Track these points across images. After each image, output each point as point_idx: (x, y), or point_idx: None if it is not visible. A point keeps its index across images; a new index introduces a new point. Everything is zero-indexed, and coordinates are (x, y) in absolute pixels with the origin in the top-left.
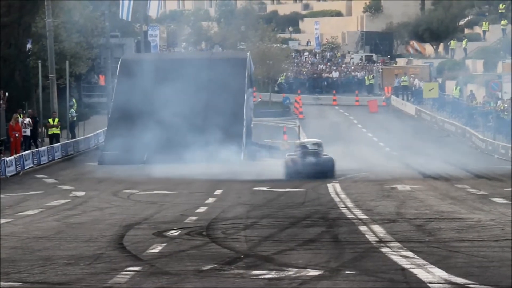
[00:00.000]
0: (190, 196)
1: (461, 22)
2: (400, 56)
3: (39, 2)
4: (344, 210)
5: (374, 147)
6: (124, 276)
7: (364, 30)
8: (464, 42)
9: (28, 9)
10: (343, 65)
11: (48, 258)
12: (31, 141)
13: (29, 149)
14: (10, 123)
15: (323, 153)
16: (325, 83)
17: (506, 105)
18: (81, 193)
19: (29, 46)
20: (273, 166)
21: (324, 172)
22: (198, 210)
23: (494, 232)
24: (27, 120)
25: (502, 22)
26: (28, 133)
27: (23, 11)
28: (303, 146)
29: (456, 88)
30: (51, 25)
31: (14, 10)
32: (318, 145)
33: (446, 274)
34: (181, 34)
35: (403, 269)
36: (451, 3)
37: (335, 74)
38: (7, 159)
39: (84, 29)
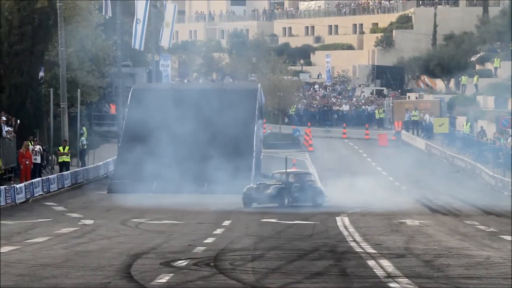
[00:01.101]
0: (198, 226)
1: (473, 58)
2: (411, 90)
3: (52, 30)
4: (353, 244)
5: (383, 181)
6: None
7: (375, 64)
8: (475, 78)
9: (41, 37)
10: (354, 99)
11: (55, 286)
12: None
13: (39, 176)
14: (21, 150)
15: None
16: (335, 116)
17: None
18: (90, 222)
19: (41, 74)
20: None
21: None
22: (206, 241)
23: (503, 269)
24: (37, 147)
25: None
26: (38, 160)
27: (35, 39)
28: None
29: (466, 124)
30: (63, 53)
31: (27, 38)
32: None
33: None
34: (193, 65)
35: None
36: (463, 39)
37: (345, 107)
38: (17, 186)
39: (96, 58)
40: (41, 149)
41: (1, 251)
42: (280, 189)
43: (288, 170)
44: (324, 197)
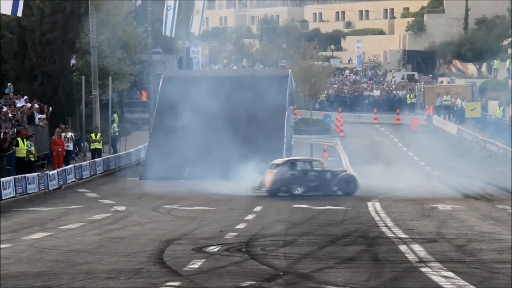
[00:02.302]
0: (230, 213)
1: (505, 42)
2: (442, 75)
3: (83, 18)
4: (384, 229)
5: (415, 166)
6: None
7: (407, 48)
8: (507, 62)
9: (72, 25)
10: (385, 84)
11: (89, 272)
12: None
13: (69, 163)
14: (53, 137)
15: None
16: (366, 101)
17: None
18: (122, 208)
19: (73, 62)
20: None
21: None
22: (237, 227)
23: None
24: (69, 134)
25: None
26: (70, 147)
27: (67, 27)
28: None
29: (499, 108)
30: (95, 41)
31: (58, 26)
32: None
33: None
34: (223, 51)
35: None
36: (495, 23)
37: (376, 93)
38: (50, 173)
39: (127, 45)
40: (73, 136)
41: (35, 237)
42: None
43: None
44: (355, 186)
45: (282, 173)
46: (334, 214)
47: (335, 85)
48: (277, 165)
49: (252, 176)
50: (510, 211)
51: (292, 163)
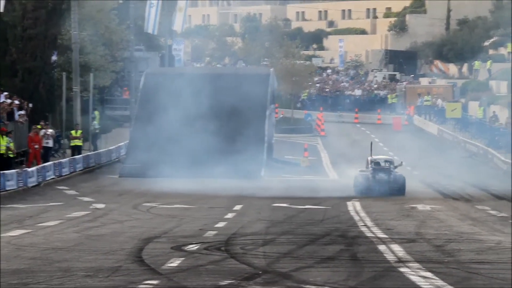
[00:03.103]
0: (210, 211)
1: (486, 43)
2: (423, 75)
3: (65, 15)
4: (364, 229)
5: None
6: None
7: (388, 48)
8: (488, 63)
9: (54, 21)
10: (366, 83)
11: (67, 270)
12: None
13: (48, 160)
14: (30, 134)
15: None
16: (348, 100)
17: None
18: (102, 206)
19: (54, 58)
20: (294, 182)
21: (395, 189)
22: (217, 225)
23: None
24: (50, 131)
25: None
26: (50, 144)
27: (49, 23)
28: (376, 163)
29: (480, 109)
30: (77, 37)
31: (40, 22)
32: (390, 162)
33: None
34: (206, 49)
35: None
36: (477, 23)
37: (357, 92)
38: (29, 169)
39: (109, 42)
40: (53, 132)
41: (14, 235)
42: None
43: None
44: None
45: None
46: (314, 213)
47: (318, 84)
48: None
49: (232, 173)
50: (492, 212)
51: None
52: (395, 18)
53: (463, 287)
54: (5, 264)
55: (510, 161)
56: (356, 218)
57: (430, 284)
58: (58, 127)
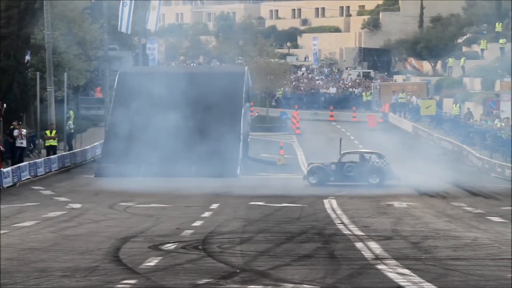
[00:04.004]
0: (186, 210)
1: (460, 40)
2: (398, 73)
3: (38, 14)
4: (340, 226)
5: None
6: None
7: (362, 46)
8: (462, 60)
9: (27, 21)
10: (341, 81)
11: (44, 270)
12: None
13: (22, 160)
14: None
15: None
16: (323, 98)
17: (503, 124)
18: (78, 205)
19: (28, 57)
20: (270, 181)
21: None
22: (194, 224)
23: (491, 251)
24: (24, 131)
25: (500, 40)
26: (24, 144)
27: (22, 23)
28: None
29: (456, 105)
30: (50, 37)
31: (13, 22)
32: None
33: None
34: (180, 48)
35: (399, 286)
36: (450, 21)
37: (332, 90)
38: (4, 170)
39: (83, 41)
40: (26, 132)
41: None
42: (315, 168)
43: (354, 151)
44: (383, 179)
45: None
46: (290, 211)
47: (294, 82)
48: None
49: (208, 172)
50: (468, 209)
51: None
52: (369, 16)
53: (440, 284)
54: None
55: (486, 158)
56: (333, 215)
57: (407, 281)
58: (33, 127)
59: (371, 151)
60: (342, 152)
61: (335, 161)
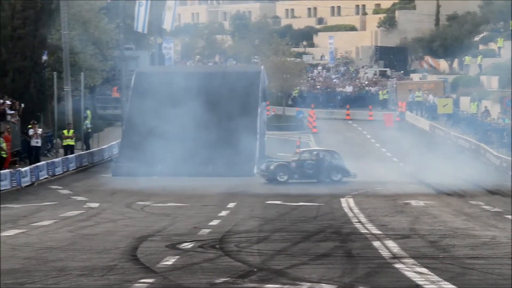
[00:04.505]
0: (203, 209)
1: (476, 38)
2: (414, 71)
3: (54, 14)
4: (358, 225)
5: (388, 162)
6: None
7: (378, 45)
8: (479, 58)
9: (44, 21)
10: (357, 80)
11: (62, 269)
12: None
13: (39, 159)
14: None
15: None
16: (339, 97)
17: None
18: (95, 205)
19: (44, 58)
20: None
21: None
22: (211, 223)
23: (509, 249)
24: (39, 130)
25: None
26: (39, 143)
27: (38, 23)
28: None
29: (473, 104)
30: (66, 37)
31: (29, 22)
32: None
33: None
34: (195, 47)
35: (417, 285)
36: (466, 19)
37: (348, 89)
38: (22, 169)
39: (99, 41)
40: (43, 132)
41: (8, 235)
42: (281, 166)
43: (309, 149)
44: (343, 175)
45: None
46: (307, 210)
47: (312, 81)
48: None
49: (224, 171)
50: (486, 207)
51: None
52: (385, 15)
53: (458, 283)
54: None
55: (504, 156)
56: (350, 214)
57: (425, 280)
58: (50, 127)
59: (326, 148)
60: (296, 150)
61: (295, 159)
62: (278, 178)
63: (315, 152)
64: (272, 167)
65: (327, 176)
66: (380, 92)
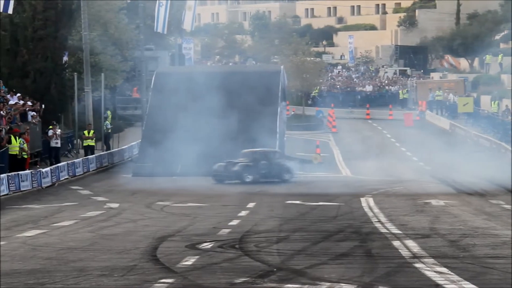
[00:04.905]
0: (223, 209)
1: (497, 37)
2: (434, 70)
3: (75, 15)
4: (377, 225)
5: (408, 161)
6: None
7: (398, 44)
8: (499, 56)
9: (64, 22)
10: (377, 79)
11: (82, 269)
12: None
13: (59, 160)
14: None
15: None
16: (359, 96)
17: None
18: (115, 205)
19: (65, 58)
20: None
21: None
22: (230, 223)
23: None
24: (58, 131)
25: None
26: (59, 144)
27: (59, 24)
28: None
29: (494, 103)
30: (87, 38)
31: (50, 23)
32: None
33: None
34: (215, 47)
35: (437, 285)
36: (487, 17)
37: (368, 88)
38: (43, 170)
39: (119, 42)
40: (62, 132)
41: (29, 235)
42: (245, 167)
43: (256, 150)
44: (292, 174)
45: None
46: (327, 209)
47: (332, 80)
48: None
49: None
50: (506, 206)
51: None
52: (405, 14)
53: (479, 282)
54: (21, 264)
55: None
56: (370, 214)
57: (445, 279)
58: (71, 127)
59: (271, 149)
60: (242, 151)
61: (247, 160)
62: (244, 178)
63: (262, 153)
64: (236, 168)
65: (279, 176)
66: (400, 92)
